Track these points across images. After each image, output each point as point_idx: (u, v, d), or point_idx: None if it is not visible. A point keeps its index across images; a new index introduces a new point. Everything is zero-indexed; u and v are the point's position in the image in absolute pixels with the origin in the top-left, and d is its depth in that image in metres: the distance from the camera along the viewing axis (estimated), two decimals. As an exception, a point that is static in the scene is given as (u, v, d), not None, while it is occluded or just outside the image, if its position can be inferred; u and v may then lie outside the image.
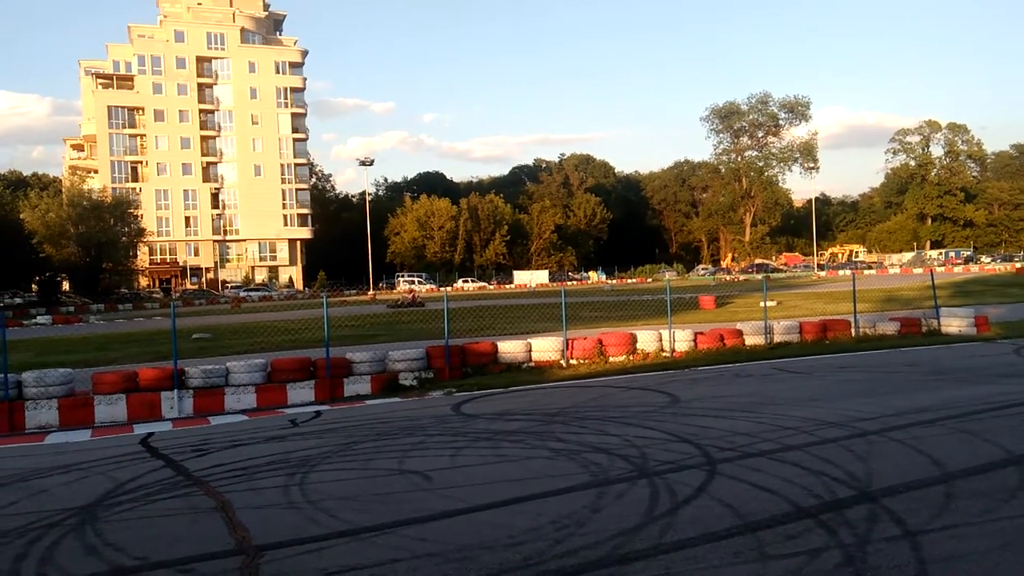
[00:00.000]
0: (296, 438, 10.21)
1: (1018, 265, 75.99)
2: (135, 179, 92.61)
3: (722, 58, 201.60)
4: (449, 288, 72.21)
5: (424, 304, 44.20)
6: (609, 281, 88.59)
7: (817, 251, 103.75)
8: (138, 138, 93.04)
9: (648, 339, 17.73)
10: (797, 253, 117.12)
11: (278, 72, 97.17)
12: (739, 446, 8.29)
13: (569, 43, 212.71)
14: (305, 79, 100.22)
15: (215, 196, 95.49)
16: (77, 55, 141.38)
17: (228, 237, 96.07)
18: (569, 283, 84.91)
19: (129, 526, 6.45)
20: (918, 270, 78.22)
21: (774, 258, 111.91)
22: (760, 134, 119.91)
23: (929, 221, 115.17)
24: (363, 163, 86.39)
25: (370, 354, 15.53)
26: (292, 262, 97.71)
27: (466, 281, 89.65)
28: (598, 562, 5.19)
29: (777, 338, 19.07)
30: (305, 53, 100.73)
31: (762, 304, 21.88)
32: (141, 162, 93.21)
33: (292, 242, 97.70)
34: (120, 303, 66.17)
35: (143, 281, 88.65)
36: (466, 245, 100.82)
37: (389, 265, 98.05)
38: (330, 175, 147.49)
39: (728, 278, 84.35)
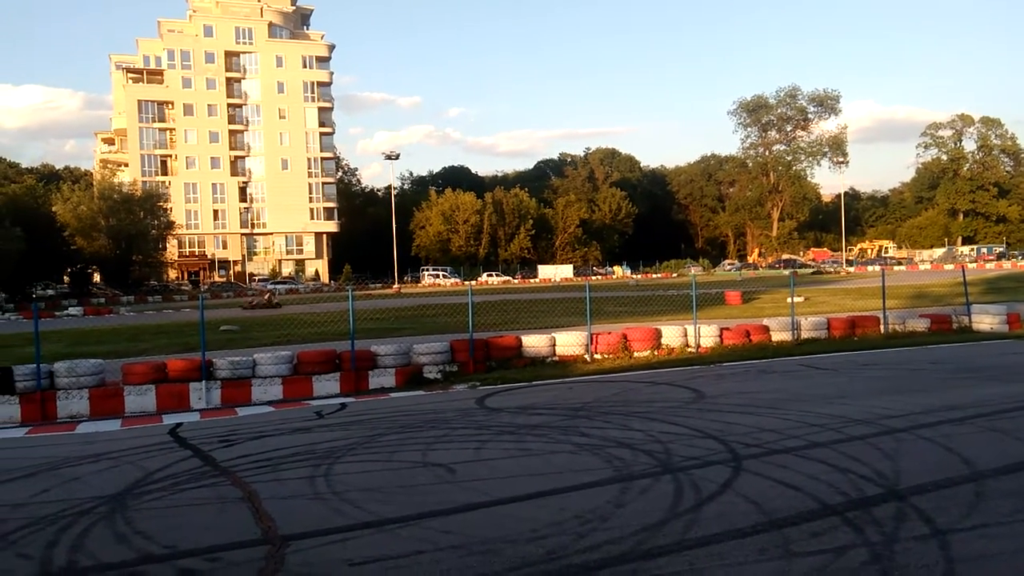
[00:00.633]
0: (321, 430, 10.29)
1: (1052, 262, 74.57)
2: (164, 173, 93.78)
3: (751, 52, 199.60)
4: (473, 282, 72.26)
5: (280, 306, 42.87)
6: (634, 276, 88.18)
7: (846, 247, 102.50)
8: (167, 132, 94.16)
9: (673, 334, 17.64)
10: (825, 249, 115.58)
11: (305, 66, 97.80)
12: (765, 442, 8.23)
13: (596, 37, 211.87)
14: (332, 73, 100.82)
15: (243, 190, 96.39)
16: (108, 50, 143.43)
17: (255, 230, 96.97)
18: (593, 278, 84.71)
19: (157, 515, 6.55)
20: (949, 266, 77.06)
21: (802, 254, 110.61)
22: (788, 128, 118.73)
23: (961, 216, 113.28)
24: (389, 157, 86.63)
25: (395, 347, 15.62)
26: (318, 255, 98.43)
27: (490, 275, 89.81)
28: (621, 557, 5.17)
29: (804, 334, 18.89)
30: (332, 47, 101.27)
31: (789, 300, 21.68)
32: (170, 156, 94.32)
33: (318, 235, 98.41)
34: (150, 295, 67.12)
35: (172, 273, 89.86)
36: (491, 239, 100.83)
37: (414, 259, 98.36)
38: (356, 169, 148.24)
39: (754, 274, 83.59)
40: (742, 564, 5.00)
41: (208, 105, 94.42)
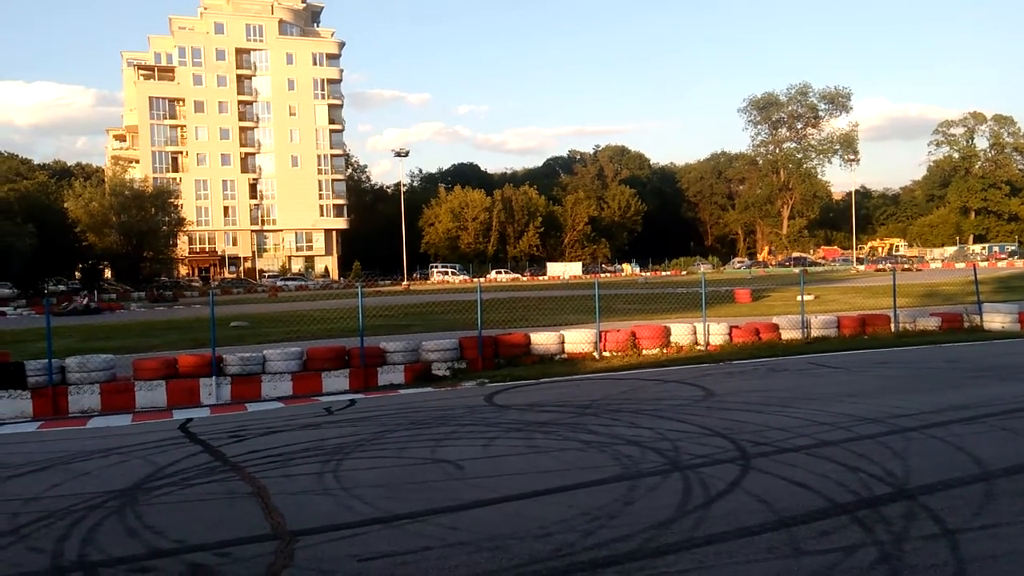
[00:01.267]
0: (331, 426, 10.32)
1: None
2: (175, 169, 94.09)
3: (761, 49, 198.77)
4: (482, 279, 72.27)
5: (101, 311, 41.44)
6: (643, 273, 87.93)
7: (856, 245, 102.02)
8: (178, 129, 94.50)
9: (682, 332, 17.61)
10: (836, 247, 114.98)
11: (315, 64, 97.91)
12: (774, 441, 8.21)
13: (604, 35, 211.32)
14: (342, 70, 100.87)
15: (253, 186, 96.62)
16: (120, 47, 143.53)
17: (265, 227, 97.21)
18: (603, 275, 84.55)
19: (168, 509, 6.59)
20: (960, 265, 76.58)
21: (812, 252, 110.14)
22: (799, 125, 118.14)
23: (973, 215, 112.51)
24: (398, 154, 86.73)
25: (404, 344, 15.65)
26: (328, 252, 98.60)
27: (499, 272, 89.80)
28: (629, 554, 5.17)
29: (814, 332, 18.82)
30: (342, 45, 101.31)
31: (799, 298, 21.60)
32: (181, 152, 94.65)
33: (328, 232, 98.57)
34: (160, 291, 67.42)
35: (183, 270, 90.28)
36: (500, 236, 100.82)
37: (423, 256, 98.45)
38: (366, 166, 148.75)
39: (764, 272, 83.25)
40: (750, 562, 4.99)
41: (219, 102, 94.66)
